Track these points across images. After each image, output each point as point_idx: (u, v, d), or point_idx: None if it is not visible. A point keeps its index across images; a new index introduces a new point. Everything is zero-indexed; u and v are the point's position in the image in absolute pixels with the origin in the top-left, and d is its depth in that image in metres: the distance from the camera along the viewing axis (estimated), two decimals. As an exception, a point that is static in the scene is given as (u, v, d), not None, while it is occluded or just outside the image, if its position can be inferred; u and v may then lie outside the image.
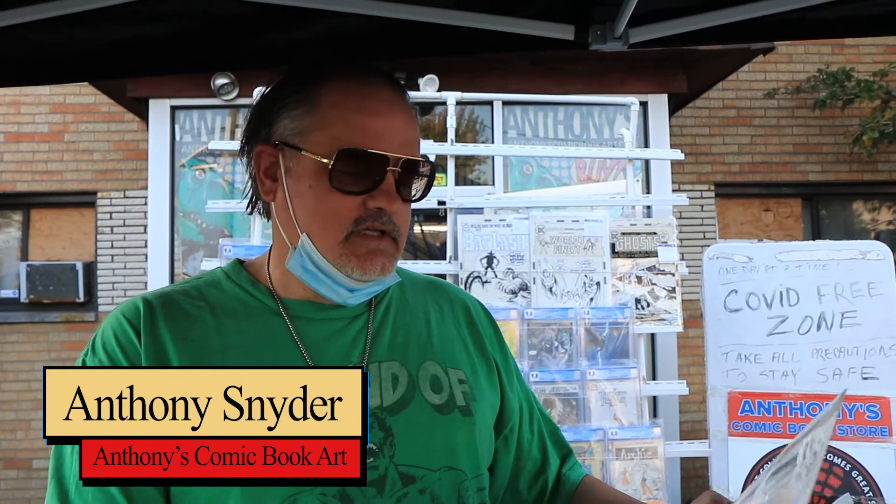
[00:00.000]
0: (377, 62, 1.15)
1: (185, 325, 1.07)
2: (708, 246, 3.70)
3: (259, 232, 3.25)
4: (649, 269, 3.46)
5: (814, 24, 1.56)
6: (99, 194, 6.54)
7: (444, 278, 2.99)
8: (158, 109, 5.27)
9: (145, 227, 6.42)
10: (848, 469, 3.30)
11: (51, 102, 6.62)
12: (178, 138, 5.36)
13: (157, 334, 1.05)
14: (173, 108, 5.30)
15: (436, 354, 1.17)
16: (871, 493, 3.24)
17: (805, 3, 1.44)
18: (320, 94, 1.08)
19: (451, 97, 3.53)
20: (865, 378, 3.45)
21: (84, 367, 1.05)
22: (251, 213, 1.19)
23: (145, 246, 6.41)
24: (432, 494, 1.07)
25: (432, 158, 5.25)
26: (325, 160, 1.05)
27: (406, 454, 1.07)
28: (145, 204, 6.40)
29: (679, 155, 3.82)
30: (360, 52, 1.58)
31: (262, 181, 1.13)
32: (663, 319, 3.49)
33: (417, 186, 1.12)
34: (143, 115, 6.03)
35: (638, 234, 3.52)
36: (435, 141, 3.60)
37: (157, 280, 5.22)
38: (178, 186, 5.34)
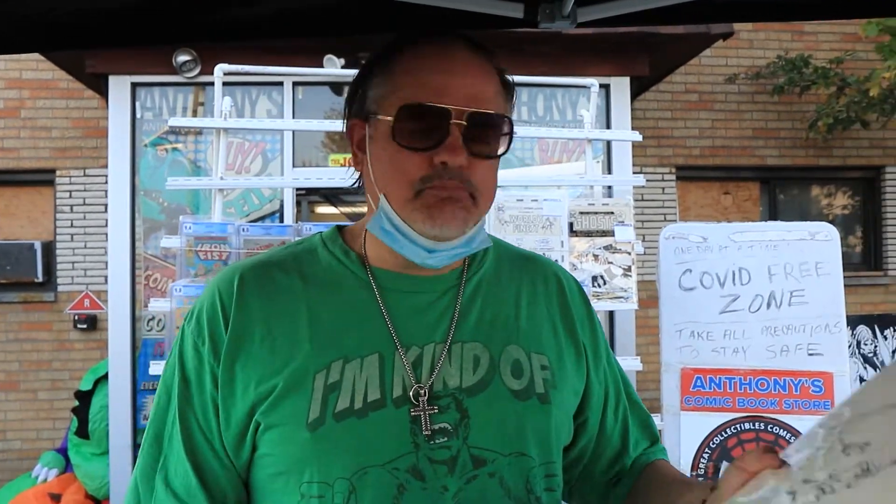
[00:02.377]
0: (462, 31, 1.15)
1: (275, 298, 1.11)
2: (667, 226, 3.81)
3: (220, 209, 3.27)
4: (606, 247, 3.55)
5: (765, 5, 1.59)
6: (58, 172, 6.47)
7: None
8: (119, 86, 5.23)
9: (105, 206, 6.38)
10: (792, 441, 3.42)
11: (6, 78, 6.51)
12: (139, 116, 5.33)
13: (245, 307, 1.10)
14: (134, 85, 5.26)
15: (521, 338, 1.17)
16: None
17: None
18: (396, 62, 1.10)
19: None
20: (811, 354, 3.54)
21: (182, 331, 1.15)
22: (357, 187, 1.19)
23: (105, 225, 6.37)
24: (501, 478, 1.08)
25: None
26: (389, 118, 1.07)
27: (479, 437, 1.08)
28: (106, 182, 6.35)
29: (637, 136, 3.90)
30: (313, 29, 1.60)
31: (354, 154, 1.17)
32: (619, 297, 3.59)
33: (496, 142, 1.10)
34: (102, 91, 5.96)
35: (595, 213, 3.61)
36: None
37: (118, 260, 5.20)
38: (139, 165, 5.31)
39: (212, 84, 5.25)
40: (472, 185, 1.07)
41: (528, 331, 1.18)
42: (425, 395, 1.07)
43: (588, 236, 3.59)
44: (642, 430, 1.34)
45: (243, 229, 3.18)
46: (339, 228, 1.23)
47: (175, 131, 5.37)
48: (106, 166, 6.22)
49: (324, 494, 1.04)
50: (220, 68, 3.32)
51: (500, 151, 1.10)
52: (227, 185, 3.39)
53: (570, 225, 3.59)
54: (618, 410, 1.30)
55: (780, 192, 8.03)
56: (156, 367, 3.18)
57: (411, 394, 1.07)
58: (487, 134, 1.08)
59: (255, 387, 1.07)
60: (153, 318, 5.23)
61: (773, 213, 7.92)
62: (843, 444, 0.87)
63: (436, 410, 1.07)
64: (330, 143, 5.54)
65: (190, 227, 3.18)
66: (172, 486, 1.10)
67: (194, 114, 5.34)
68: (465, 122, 1.05)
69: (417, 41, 1.11)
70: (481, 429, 1.08)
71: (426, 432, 1.06)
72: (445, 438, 1.06)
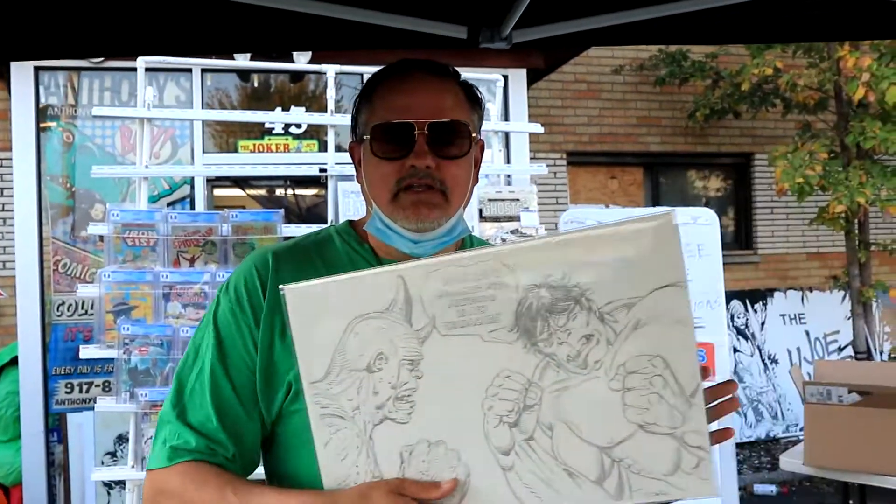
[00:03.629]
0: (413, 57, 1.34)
1: (305, 274, 1.20)
2: (561, 210, 4.05)
3: (146, 197, 3.32)
4: (513, 231, 3.78)
5: (693, 29, 1.79)
6: (-46, 156, 6.21)
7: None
8: (21, 69, 5.09)
9: (2, 189, 6.19)
10: None
11: None
12: (43, 100, 5.21)
13: (281, 280, 1.18)
14: (37, 70, 5.14)
15: None
16: None
17: (675, 9, 1.66)
18: (375, 91, 1.32)
19: (331, 69, 3.70)
20: (695, 327, 3.89)
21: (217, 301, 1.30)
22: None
23: (2, 209, 6.18)
24: None
25: (304, 127, 5.33)
26: (366, 137, 1.29)
27: None
28: (1, 166, 6.16)
29: (539, 128, 4.15)
30: (251, 46, 1.70)
31: (357, 170, 1.37)
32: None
33: (459, 144, 1.29)
34: (2, 75, 5.78)
35: (503, 200, 3.83)
36: (310, 109, 3.74)
37: (26, 245, 5.08)
38: (44, 149, 5.20)
39: (116, 70, 5.22)
40: (443, 183, 1.27)
41: None
42: None
43: (496, 221, 3.81)
44: None
45: (171, 216, 3.25)
46: (351, 223, 1.41)
47: (76, 115, 5.28)
48: (3, 150, 6.05)
49: None
50: (143, 60, 3.36)
51: (464, 152, 1.30)
52: (153, 173, 3.44)
53: (480, 211, 3.80)
54: None
55: (661, 176, 8.47)
56: (86, 351, 3.22)
57: None
58: (450, 138, 1.28)
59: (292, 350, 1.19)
60: (63, 304, 5.16)
61: (655, 196, 8.32)
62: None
63: None
64: (240, 130, 5.57)
65: (118, 215, 3.22)
66: (191, 422, 1.23)
67: (100, 100, 5.26)
68: (427, 132, 1.25)
69: (390, 74, 1.32)
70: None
71: None
72: None
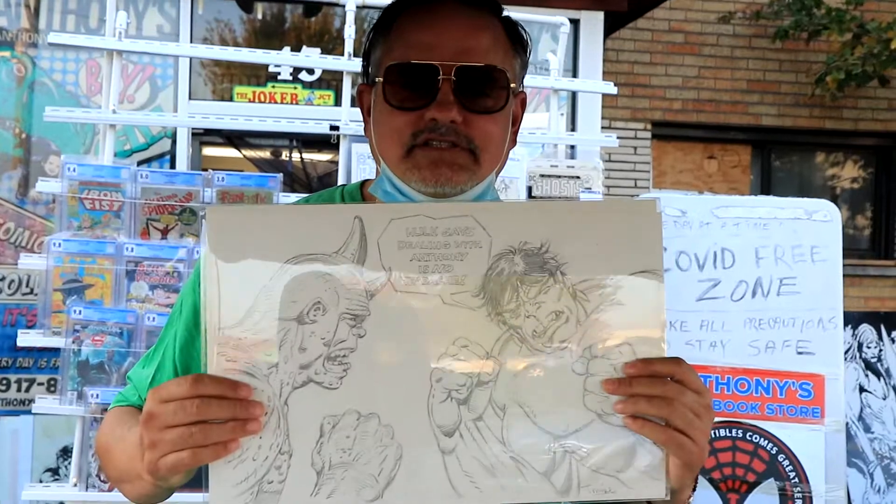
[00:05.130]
0: None
1: None
2: (638, 195, 4.05)
3: (111, 149, 3.41)
4: (570, 218, 3.80)
5: None
6: None
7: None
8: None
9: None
10: (774, 452, 3.66)
11: None
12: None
13: None
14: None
15: None
16: (797, 480, 3.62)
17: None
18: (394, 24, 1.36)
19: (351, 2, 3.74)
20: (801, 353, 3.80)
21: None
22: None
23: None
24: None
25: (318, 73, 5.42)
26: (378, 80, 1.33)
27: None
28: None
29: (612, 89, 4.16)
30: None
31: (365, 119, 1.42)
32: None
33: (495, 95, 1.33)
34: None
35: (559, 177, 3.83)
36: (329, 52, 3.77)
37: (-38, 203, 5.23)
38: (-10, 85, 5.35)
39: None
40: (467, 138, 1.30)
41: None
42: None
43: (549, 203, 3.83)
44: None
45: (142, 175, 3.33)
46: (364, 183, 1.48)
47: (31, 42, 5.40)
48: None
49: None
50: (117, -24, 3.45)
51: (499, 105, 1.33)
52: (123, 119, 3.53)
53: (529, 189, 3.82)
54: None
55: (776, 158, 8.35)
56: (25, 338, 3.32)
57: None
58: (483, 88, 1.31)
59: None
60: (3, 279, 5.29)
61: (765, 185, 8.21)
62: None
63: None
64: (238, 74, 5.66)
65: (74, 169, 3.30)
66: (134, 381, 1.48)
67: (31, 17, 5.37)
68: (454, 78, 1.28)
69: (407, 5, 1.36)
70: None
71: None
72: None
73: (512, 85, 1.35)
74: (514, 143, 1.42)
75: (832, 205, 4.30)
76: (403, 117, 1.31)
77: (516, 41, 1.39)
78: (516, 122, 1.42)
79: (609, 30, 6.26)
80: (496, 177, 1.40)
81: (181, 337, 1.40)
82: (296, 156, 6.44)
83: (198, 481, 1.25)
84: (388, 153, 1.34)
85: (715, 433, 3.69)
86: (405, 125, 1.30)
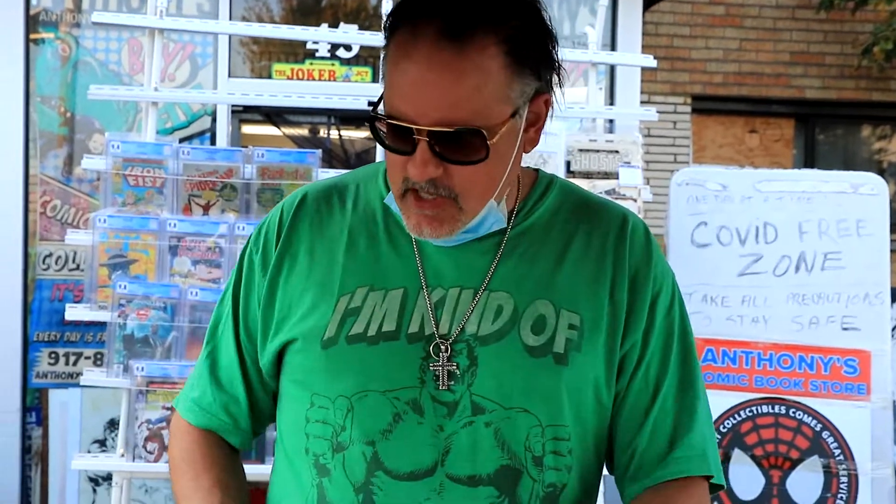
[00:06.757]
0: None
1: (325, 222, 1.43)
2: (679, 170, 3.99)
3: (153, 126, 3.45)
4: (608, 192, 3.79)
5: None
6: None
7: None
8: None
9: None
10: (819, 429, 3.64)
11: None
12: (34, 2, 5.39)
13: (297, 228, 1.43)
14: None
15: (554, 293, 1.37)
16: (842, 457, 3.60)
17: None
18: (390, 44, 1.30)
19: (389, -25, 3.75)
20: (846, 329, 3.76)
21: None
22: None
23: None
24: (497, 430, 1.32)
25: (356, 50, 5.39)
26: (377, 113, 1.30)
27: (483, 387, 1.32)
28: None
29: (651, 62, 4.13)
30: None
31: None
32: (655, 243, 3.83)
33: (476, 148, 1.25)
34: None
35: (597, 151, 3.83)
36: (366, 29, 3.78)
37: (8, 181, 5.26)
38: (34, 64, 5.39)
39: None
40: (451, 190, 1.28)
41: (565, 286, 1.38)
42: (440, 337, 1.34)
43: (588, 178, 3.81)
44: (675, 427, 1.42)
45: (183, 152, 3.37)
46: None
47: (75, 23, 5.45)
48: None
49: (327, 407, 1.35)
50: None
51: (479, 157, 1.25)
52: (164, 97, 3.57)
53: (567, 164, 3.81)
54: (639, 411, 1.43)
55: (820, 132, 8.23)
56: (72, 312, 3.38)
57: (427, 334, 1.34)
58: (459, 143, 1.24)
59: (292, 300, 1.40)
60: (50, 255, 5.38)
61: (809, 159, 8.09)
62: None
63: (448, 353, 1.33)
64: (277, 52, 5.68)
65: (117, 147, 3.35)
66: (217, 374, 1.50)
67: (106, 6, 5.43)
68: (427, 139, 1.23)
69: (401, 21, 1.28)
70: (487, 379, 1.33)
71: (435, 372, 1.33)
72: (452, 382, 1.32)
73: (503, 126, 1.27)
74: (535, 143, 1.37)
75: (879, 178, 4.21)
76: (395, 158, 1.30)
77: (524, 54, 1.28)
78: (539, 122, 1.36)
79: (648, 2, 6.20)
80: (497, 201, 1.35)
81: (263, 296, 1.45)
82: (334, 132, 6.47)
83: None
84: (391, 181, 1.36)
85: (757, 409, 3.67)
86: (397, 168, 1.30)
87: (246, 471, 1.55)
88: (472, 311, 1.36)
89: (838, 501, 3.58)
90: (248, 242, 1.50)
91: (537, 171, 1.50)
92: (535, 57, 1.30)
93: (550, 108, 1.38)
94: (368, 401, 1.33)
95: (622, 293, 1.40)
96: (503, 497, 1.32)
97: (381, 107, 1.31)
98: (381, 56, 1.39)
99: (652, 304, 1.42)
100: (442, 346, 1.33)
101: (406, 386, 1.33)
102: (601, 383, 1.38)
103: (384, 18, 1.37)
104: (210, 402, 1.49)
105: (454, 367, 1.33)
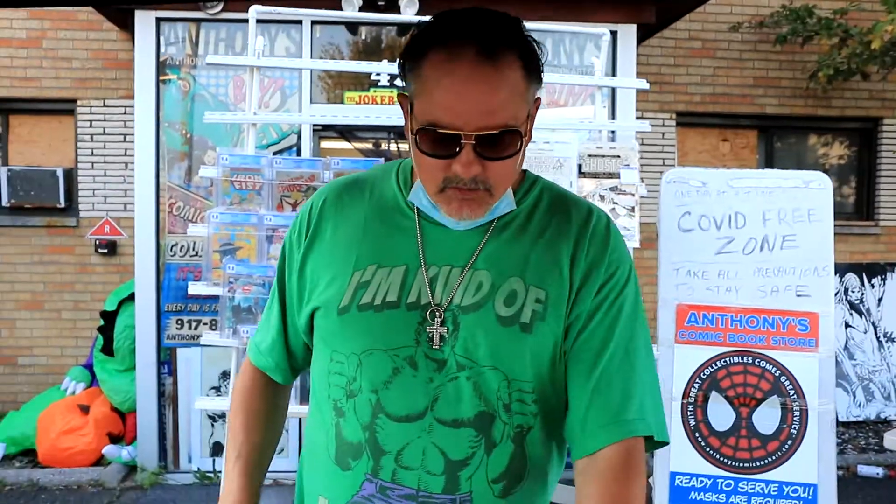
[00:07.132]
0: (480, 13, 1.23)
1: (347, 210, 1.42)
2: (667, 171, 3.95)
3: (253, 142, 3.45)
4: (612, 189, 3.74)
5: None
6: (79, 102, 6.56)
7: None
8: (144, 21, 5.33)
9: (125, 136, 6.49)
10: (777, 375, 3.57)
11: (28, 8, 6.53)
12: (163, 51, 5.44)
13: (325, 214, 1.43)
14: (158, 21, 5.36)
15: (526, 272, 1.34)
16: (795, 396, 3.54)
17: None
18: (423, 65, 1.23)
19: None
20: (799, 295, 3.71)
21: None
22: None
23: (125, 154, 6.49)
24: (475, 383, 1.30)
25: (387, 78, 5.33)
26: (414, 129, 1.25)
27: (463, 348, 1.30)
28: (125, 113, 6.46)
29: (644, 85, 4.06)
30: None
31: (406, 119, 1.33)
32: (623, 236, 3.79)
33: (509, 145, 1.23)
34: (122, 24, 6.04)
35: (603, 156, 3.78)
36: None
37: (144, 188, 5.36)
38: (163, 98, 5.44)
39: (232, 21, 5.39)
40: (486, 182, 1.25)
41: (536, 266, 1.34)
42: (435, 306, 1.33)
43: (595, 178, 3.77)
44: (603, 424, 1.30)
45: (276, 162, 3.36)
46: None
47: (194, 65, 5.49)
48: (125, 97, 6.35)
49: (343, 362, 1.35)
50: (255, 9, 3.46)
51: (514, 152, 1.24)
52: (261, 119, 3.56)
53: (580, 166, 3.77)
54: (583, 374, 1.34)
55: (777, 140, 8.13)
56: (193, 288, 3.40)
57: (423, 303, 1.32)
58: (499, 142, 1.22)
59: (318, 273, 1.40)
60: (176, 244, 5.43)
61: (769, 162, 8.01)
62: None
63: (439, 319, 1.32)
64: (347, 82, 5.67)
65: (227, 159, 3.36)
66: (269, 327, 1.53)
67: (216, 50, 5.46)
68: (474, 141, 1.20)
69: (433, 46, 1.21)
70: (466, 342, 1.31)
71: (429, 334, 1.31)
72: (442, 343, 1.31)
73: (527, 125, 1.26)
74: (531, 137, 1.31)
75: (825, 176, 4.16)
76: (434, 163, 1.25)
77: (532, 64, 1.25)
78: (530, 120, 1.30)
79: (641, 39, 6.12)
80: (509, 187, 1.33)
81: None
82: (393, 146, 6.45)
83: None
84: (424, 182, 1.31)
85: (730, 360, 3.61)
86: (437, 170, 1.25)
87: (291, 410, 1.64)
88: (458, 285, 1.33)
89: (792, 430, 3.53)
90: (289, 232, 1.49)
91: (525, 171, 1.44)
92: (538, 68, 1.27)
93: (536, 108, 1.34)
94: (374, 357, 1.32)
95: (578, 272, 1.35)
96: (480, 436, 1.31)
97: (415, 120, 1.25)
98: (402, 74, 1.29)
99: (603, 284, 1.35)
100: (437, 313, 1.31)
101: (404, 345, 1.32)
102: (559, 348, 1.34)
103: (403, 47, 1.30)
104: (265, 347, 1.52)
105: (445, 331, 1.31)
